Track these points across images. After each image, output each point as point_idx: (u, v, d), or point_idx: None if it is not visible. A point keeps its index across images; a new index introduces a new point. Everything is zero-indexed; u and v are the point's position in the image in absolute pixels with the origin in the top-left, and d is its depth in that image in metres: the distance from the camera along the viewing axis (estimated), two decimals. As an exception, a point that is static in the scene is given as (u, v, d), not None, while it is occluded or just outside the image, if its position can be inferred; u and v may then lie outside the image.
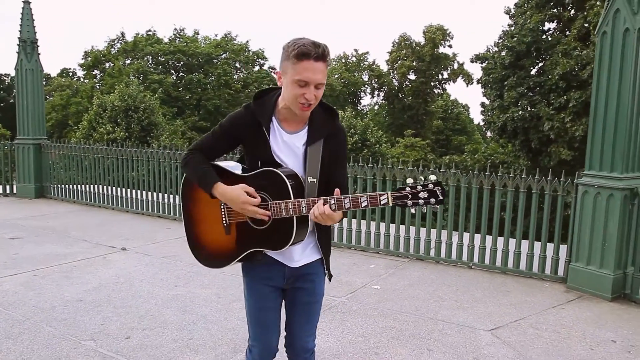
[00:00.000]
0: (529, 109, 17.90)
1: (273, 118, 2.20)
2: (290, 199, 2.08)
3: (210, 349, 3.69)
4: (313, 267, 2.31)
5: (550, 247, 5.61)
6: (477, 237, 5.97)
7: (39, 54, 10.28)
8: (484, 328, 4.19)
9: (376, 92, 51.96)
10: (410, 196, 2.00)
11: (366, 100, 76.70)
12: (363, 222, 6.79)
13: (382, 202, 2.01)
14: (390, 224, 6.38)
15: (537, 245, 5.64)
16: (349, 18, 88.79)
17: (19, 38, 10.07)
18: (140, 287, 4.99)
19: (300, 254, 2.26)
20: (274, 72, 2.03)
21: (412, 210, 2.04)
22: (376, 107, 53.29)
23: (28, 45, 10.11)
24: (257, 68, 46.82)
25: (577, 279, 5.13)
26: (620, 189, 4.76)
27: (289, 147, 2.20)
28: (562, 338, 4.05)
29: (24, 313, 4.28)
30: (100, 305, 4.49)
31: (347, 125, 25.12)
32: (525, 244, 5.69)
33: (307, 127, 2.21)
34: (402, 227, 6.31)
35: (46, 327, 4.01)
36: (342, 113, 26.68)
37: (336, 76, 49.58)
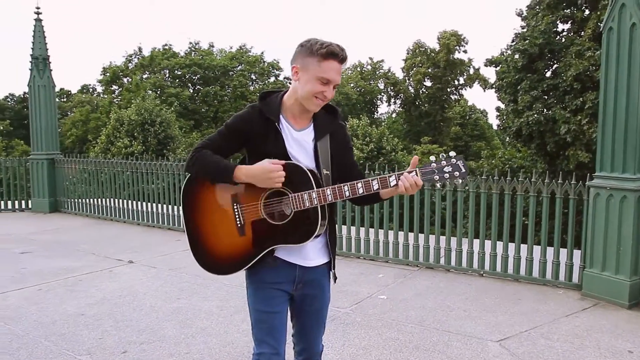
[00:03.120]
0: (544, 112, 17.59)
1: (281, 116, 2.22)
2: (314, 189, 2.09)
3: (206, 363, 3.60)
4: (321, 272, 2.31)
5: (563, 252, 5.41)
6: (488, 244, 5.80)
7: (51, 70, 10.40)
8: (492, 339, 4.04)
9: (393, 100, 51.82)
10: (436, 171, 2.06)
11: (383, 109, 76.66)
12: (372, 230, 6.65)
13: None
14: (399, 232, 6.24)
15: (551, 251, 5.46)
16: (363, 27, 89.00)
17: (31, 55, 10.21)
18: (143, 300, 4.93)
19: (315, 252, 2.26)
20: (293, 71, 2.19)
21: (438, 185, 2.20)
22: (394, 115, 53.11)
23: (40, 62, 10.24)
24: (272, 79, 47.06)
25: (593, 286, 4.94)
26: (634, 190, 4.58)
27: (299, 143, 2.21)
28: (575, 348, 3.88)
29: (24, 328, 4.25)
30: (100, 319, 4.44)
31: (363, 133, 25.03)
32: (537, 250, 5.51)
33: (312, 124, 2.25)
34: (411, 235, 6.18)
35: (44, 341, 3.97)
36: (358, 121, 26.63)
37: (352, 85, 49.54)
